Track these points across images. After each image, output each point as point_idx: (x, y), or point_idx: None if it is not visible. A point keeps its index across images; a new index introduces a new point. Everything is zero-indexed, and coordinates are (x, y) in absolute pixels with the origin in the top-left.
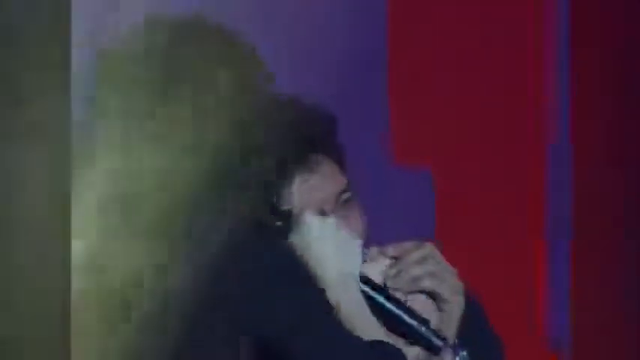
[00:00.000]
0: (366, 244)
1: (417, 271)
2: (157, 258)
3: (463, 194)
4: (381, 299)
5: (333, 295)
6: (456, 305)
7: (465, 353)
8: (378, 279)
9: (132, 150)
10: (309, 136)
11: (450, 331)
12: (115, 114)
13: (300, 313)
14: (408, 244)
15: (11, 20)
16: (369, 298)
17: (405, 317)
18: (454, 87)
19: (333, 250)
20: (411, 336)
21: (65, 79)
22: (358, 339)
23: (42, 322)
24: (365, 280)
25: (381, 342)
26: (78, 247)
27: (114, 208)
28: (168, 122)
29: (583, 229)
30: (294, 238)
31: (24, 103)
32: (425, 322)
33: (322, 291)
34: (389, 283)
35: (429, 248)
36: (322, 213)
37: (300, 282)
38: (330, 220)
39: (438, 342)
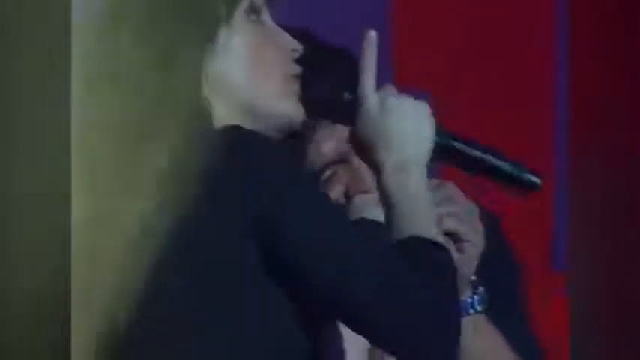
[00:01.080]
0: None
1: (437, 211)
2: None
3: (463, 123)
4: (464, 147)
5: (391, 183)
6: (476, 245)
7: (482, 289)
8: None
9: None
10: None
11: (469, 272)
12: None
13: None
14: (429, 185)
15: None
16: (448, 151)
17: (494, 160)
18: (458, 13)
19: (405, 128)
20: (503, 179)
21: (65, 77)
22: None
23: (42, 322)
24: (440, 133)
25: (422, 240)
26: (78, 244)
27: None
28: None
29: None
30: (359, 119)
31: (23, 101)
32: (515, 163)
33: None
34: None
35: (450, 189)
36: (344, 154)
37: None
38: (404, 98)
39: (535, 179)
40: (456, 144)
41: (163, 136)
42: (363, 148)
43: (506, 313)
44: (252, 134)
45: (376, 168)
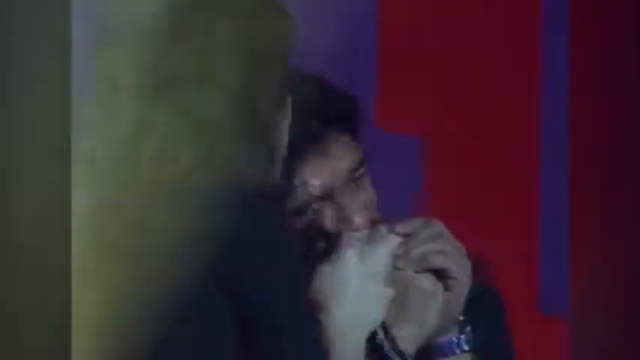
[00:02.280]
0: (376, 222)
1: (426, 248)
2: (158, 256)
3: (451, 162)
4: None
5: (330, 339)
6: (464, 284)
7: (469, 329)
8: (386, 258)
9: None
10: (330, 115)
11: (457, 310)
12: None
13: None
14: (416, 222)
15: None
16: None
17: None
18: (444, 53)
19: (358, 297)
20: None
21: (65, 75)
22: None
23: (42, 321)
24: (385, 329)
25: None
26: (78, 245)
27: (115, 205)
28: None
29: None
30: (325, 266)
31: (23, 99)
32: None
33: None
34: (398, 263)
35: (438, 227)
36: (331, 190)
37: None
38: (371, 265)
39: None
40: (384, 344)
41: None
42: None
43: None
44: (239, 194)
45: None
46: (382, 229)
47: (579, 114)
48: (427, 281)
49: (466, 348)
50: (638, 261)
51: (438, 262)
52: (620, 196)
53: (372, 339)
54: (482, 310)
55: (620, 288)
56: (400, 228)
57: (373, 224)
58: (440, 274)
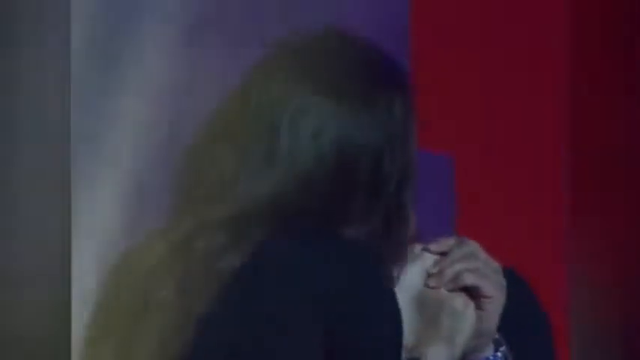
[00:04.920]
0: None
1: (459, 267)
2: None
3: (484, 181)
4: None
5: None
6: (497, 302)
7: (504, 348)
8: (420, 277)
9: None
10: None
11: (491, 328)
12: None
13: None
14: (450, 241)
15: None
16: None
17: None
18: (476, 71)
19: None
20: None
21: (65, 77)
22: None
23: (42, 320)
24: None
25: None
26: (78, 245)
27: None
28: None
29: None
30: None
31: (23, 101)
32: None
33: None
34: (431, 283)
35: (472, 246)
36: None
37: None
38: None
39: None
40: None
41: None
42: None
43: None
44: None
45: None
46: (416, 247)
47: (582, 118)
48: (459, 300)
49: None
50: (639, 260)
51: (470, 280)
52: (621, 196)
53: None
54: (529, 329)
55: (620, 287)
56: (434, 247)
57: (409, 241)
58: (472, 293)
